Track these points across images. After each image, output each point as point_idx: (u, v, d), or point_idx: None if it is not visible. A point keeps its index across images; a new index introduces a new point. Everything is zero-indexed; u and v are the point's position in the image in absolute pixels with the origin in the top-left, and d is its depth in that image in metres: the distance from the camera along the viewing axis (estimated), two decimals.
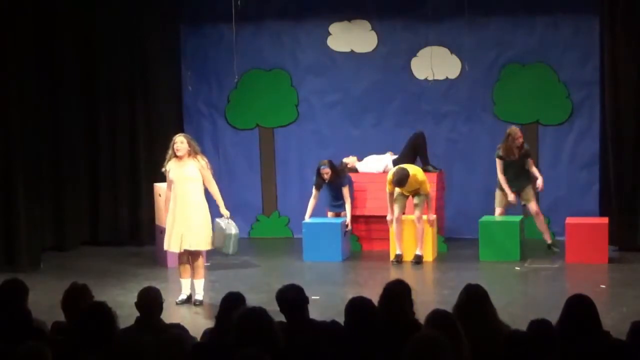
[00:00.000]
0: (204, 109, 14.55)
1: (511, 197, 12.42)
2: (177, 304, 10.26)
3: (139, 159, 13.78)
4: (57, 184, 13.66)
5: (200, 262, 10.45)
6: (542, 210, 13.08)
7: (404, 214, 12.41)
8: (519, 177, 12.48)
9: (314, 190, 12.97)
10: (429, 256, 12.42)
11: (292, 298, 6.28)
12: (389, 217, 12.37)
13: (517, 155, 12.42)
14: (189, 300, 10.42)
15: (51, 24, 13.38)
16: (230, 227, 10.43)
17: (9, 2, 12.21)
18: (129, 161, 13.91)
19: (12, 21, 12.27)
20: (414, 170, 12.30)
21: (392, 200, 12.33)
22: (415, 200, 12.29)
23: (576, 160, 13.55)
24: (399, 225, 12.36)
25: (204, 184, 10.36)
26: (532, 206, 12.54)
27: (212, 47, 14.33)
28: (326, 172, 12.81)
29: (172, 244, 10.33)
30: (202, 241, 10.35)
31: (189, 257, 10.42)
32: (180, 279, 10.50)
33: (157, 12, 13.86)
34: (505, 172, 12.47)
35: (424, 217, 12.34)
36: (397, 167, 12.35)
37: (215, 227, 10.43)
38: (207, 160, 10.46)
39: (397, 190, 12.26)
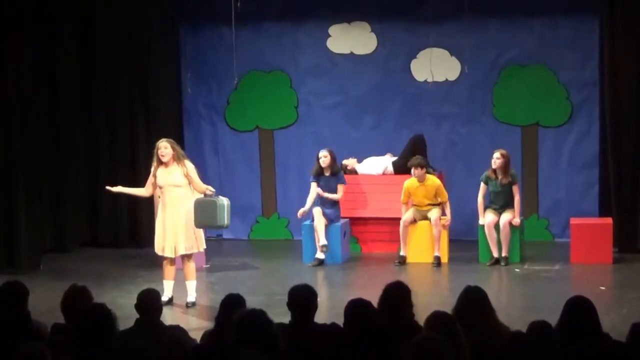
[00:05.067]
0: (203, 111, 14.54)
1: None
2: None
3: (139, 160, 13.75)
4: (57, 186, 13.66)
5: (192, 264, 10.43)
6: (542, 212, 13.14)
7: (415, 221, 12.44)
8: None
9: (313, 184, 12.75)
10: (444, 258, 12.44)
11: (301, 298, 6.26)
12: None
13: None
14: (170, 302, 10.35)
15: (51, 25, 13.39)
16: (220, 198, 10.24)
17: (10, 2, 12.22)
18: (129, 163, 13.90)
19: (12, 22, 12.28)
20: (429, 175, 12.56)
21: (407, 209, 12.45)
22: (431, 213, 12.36)
23: (576, 161, 13.55)
24: (405, 228, 12.38)
25: (191, 188, 10.32)
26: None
27: (211, 49, 14.33)
28: (324, 155, 12.64)
29: (167, 249, 10.30)
30: (194, 244, 10.33)
31: (174, 260, 10.40)
32: (163, 280, 10.46)
33: (157, 13, 13.86)
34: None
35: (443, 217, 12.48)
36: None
37: (199, 204, 10.17)
38: (192, 166, 10.37)
39: (413, 208, 12.44)
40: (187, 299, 10.38)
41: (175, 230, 10.23)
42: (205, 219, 10.16)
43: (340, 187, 12.70)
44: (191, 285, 10.42)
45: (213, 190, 10.36)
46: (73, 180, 13.82)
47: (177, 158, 10.26)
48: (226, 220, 10.24)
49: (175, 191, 10.23)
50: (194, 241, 10.31)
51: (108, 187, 10.84)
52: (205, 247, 10.69)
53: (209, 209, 10.13)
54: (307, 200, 12.74)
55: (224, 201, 10.21)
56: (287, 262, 12.76)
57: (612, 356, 5.66)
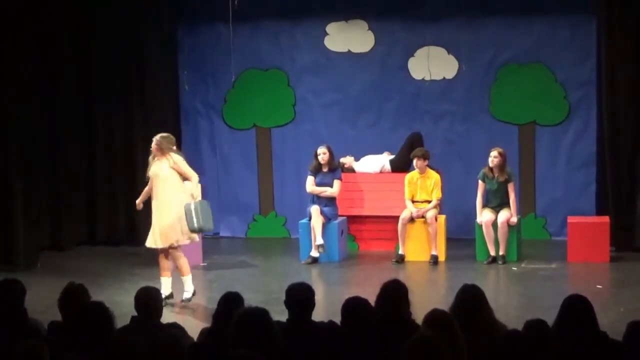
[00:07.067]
0: (201, 109, 14.54)
1: None
2: None
3: (136, 158, 13.74)
4: (55, 183, 13.65)
5: (183, 259, 10.43)
6: (540, 210, 13.13)
7: (412, 220, 12.44)
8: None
9: (309, 178, 12.79)
10: (441, 256, 12.44)
11: (299, 296, 6.27)
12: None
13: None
14: (168, 299, 10.34)
15: (49, 24, 13.37)
16: (190, 202, 10.25)
17: (8, 2, 12.21)
18: (126, 161, 13.89)
19: (11, 21, 12.28)
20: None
21: (411, 203, 12.46)
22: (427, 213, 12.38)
23: (573, 160, 13.55)
24: (404, 226, 12.38)
25: (181, 180, 10.39)
26: None
27: (209, 47, 14.32)
28: (323, 152, 12.72)
29: (157, 240, 10.35)
30: (180, 236, 10.33)
31: (167, 254, 10.43)
32: (160, 277, 10.46)
33: (155, 12, 13.84)
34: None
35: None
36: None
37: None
38: (179, 157, 10.40)
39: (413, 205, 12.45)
40: (184, 294, 10.38)
41: (161, 221, 10.31)
42: (188, 224, 10.27)
43: (336, 183, 12.72)
44: (187, 280, 10.41)
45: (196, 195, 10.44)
46: (70, 178, 13.81)
47: (161, 151, 10.35)
48: (195, 224, 10.20)
49: (161, 182, 10.37)
50: (179, 234, 10.32)
51: (139, 205, 10.84)
52: (197, 239, 10.74)
53: (186, 215, 10.24)
54: (314, 192, 12.69)
55: (191, 205, 10.22)
56: (285, 260, 12.76)
57: (609, 355, 5.67)
